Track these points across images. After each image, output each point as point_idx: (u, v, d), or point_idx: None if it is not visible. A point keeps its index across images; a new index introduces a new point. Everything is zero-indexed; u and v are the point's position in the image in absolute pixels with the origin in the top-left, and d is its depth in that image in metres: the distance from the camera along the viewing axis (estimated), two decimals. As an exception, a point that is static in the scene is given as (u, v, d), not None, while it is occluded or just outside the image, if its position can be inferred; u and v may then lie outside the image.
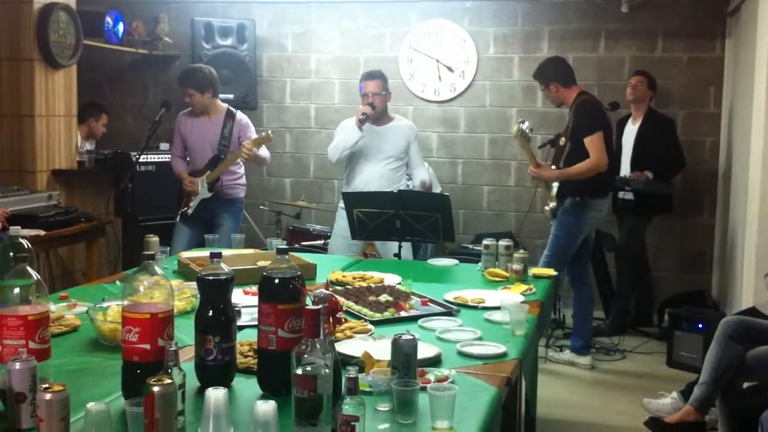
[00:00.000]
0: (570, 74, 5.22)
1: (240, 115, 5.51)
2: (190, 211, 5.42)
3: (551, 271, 3.83)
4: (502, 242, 3.80)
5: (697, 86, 6.50)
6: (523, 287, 3.43)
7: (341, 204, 5.17)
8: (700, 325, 5.07)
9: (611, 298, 6.16)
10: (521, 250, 3.74)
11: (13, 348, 2.01)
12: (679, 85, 6.51)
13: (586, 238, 5.22)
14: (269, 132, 5.50)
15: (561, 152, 5.15)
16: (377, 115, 5.23)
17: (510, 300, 3.09)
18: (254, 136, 5.43)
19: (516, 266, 3.63)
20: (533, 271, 3.76)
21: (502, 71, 6.81)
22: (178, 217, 5.48)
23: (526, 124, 5.07)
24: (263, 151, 5.46)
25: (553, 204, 5.16)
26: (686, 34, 6.48)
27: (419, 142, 5.57)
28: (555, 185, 5.14)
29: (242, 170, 5.60)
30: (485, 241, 3.87)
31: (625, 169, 5.99)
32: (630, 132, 6.05)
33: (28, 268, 2.09)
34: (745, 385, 3.99)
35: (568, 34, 6.65)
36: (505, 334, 2.75)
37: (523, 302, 3.04)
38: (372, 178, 5.23)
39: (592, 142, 4.97)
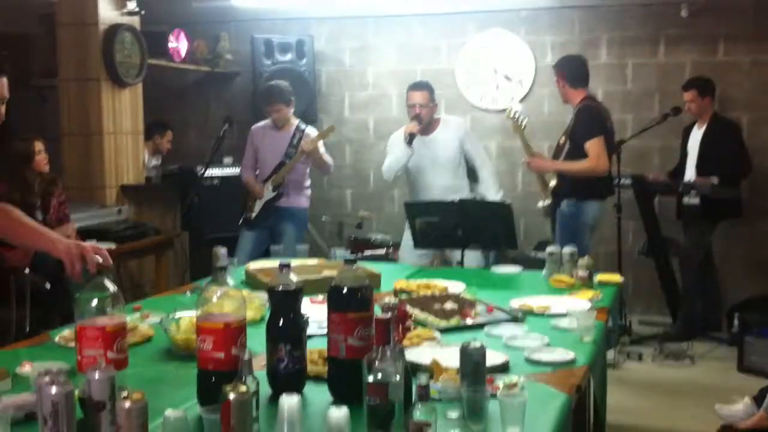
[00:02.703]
0: (581, 77, 5.21)
1: (310, 128, 5.71)
2: (253, 215, 5.55)
3: (618, 277, 3.80)
4: (567, 249, 3.78)
5: (762, 90, 6.37)
6: (590, 293, 3.40)
7: None
8: (772, 331, 4.96)
9: (678, 304, 6.06)
10: (586, 257, 3.72)
11: (92, 358, 2.06)
12: (743, 90, 6.39)
13: None
14: (332, 125, 5.67)
15: (560, 151, 5.14)
16: (425, 126, 5.25)
17: (577, 306, 3.07)
18: (322, 149, 5.57)
19: (581, 272, 3.60)
20: (599, 277, 3.73)
21: (561, 78, 6.76)
22: (241, 221, 5.60)
23: (519, 107, 5.07)
24: (327, 157, 5.61)
25: (548, 201, 5.15)
26: (748, 38, 6.36)
27: (475, 138, 5.50)
28: (552, 183, 5.12)
29: (308, 182, 5.75)
30: (549, 248, 3.85)
31: (690, 174, 5.90)
32: (695, 137, 5.96)
33: (106, 281, 2.15)
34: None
35: (626, 41, 6.59)
36: (574, 341, 2.73)
37: (590, 308, 3.02)
38: (434, 190, 5.22)
39: (592, 146, 4.97)
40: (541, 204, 5.27)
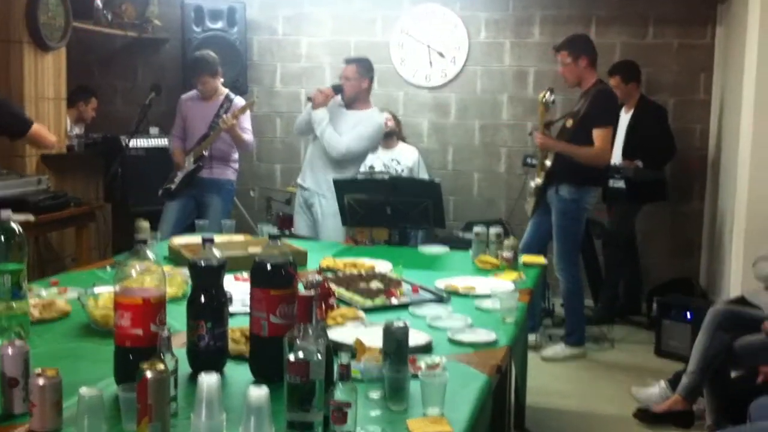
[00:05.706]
0: (596, 57, 5.14)
1: (238, 99, 5.65)
2: (173, 187, 5.48)
3: (542, 259, 3.85)
4: (493, 230, 3.81)
5: (688, 73, 6.50)
6: (514, 275, 3.44)
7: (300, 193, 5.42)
8: (689, 314, 5.07)
9: (600, 286, 6.17)
10: (511, 238, 3.76)
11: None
12: (670, 72, 6.52)
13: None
14: (254, 98, 5.60)
15: (564, 134, 5.12)
16: (348, 100, 5.27)
17: (501, 287, 3.10)
18: (247, 120, 5.51)
19: (506, 254, 3.64)
20: (524, 259, 3.78)
21: (493, 57, 6.79)
22: (161, 192, 5.51)
23: (552, 95, 5.04)
24: (246, 135, 5.56)
25: (539, 180, 5.14)
26: (677, 21, 6.47)
27: (376, 136, 5.41)
28: (548, 163, 5.12)
29: (236, 155, 5.70)
30: (476, 229, 3.88)
31: (616, 157, 5.99)
32: (623, 120, 6.03)
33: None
34: (733, 374, 4.02)
35: (559, 20, 6.63)
36: (496, 322, 2.76)
37: (513, 290, 3.05)
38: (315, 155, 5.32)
39: (602, 135, 4.92)
40: (533, 184, 5.22)
